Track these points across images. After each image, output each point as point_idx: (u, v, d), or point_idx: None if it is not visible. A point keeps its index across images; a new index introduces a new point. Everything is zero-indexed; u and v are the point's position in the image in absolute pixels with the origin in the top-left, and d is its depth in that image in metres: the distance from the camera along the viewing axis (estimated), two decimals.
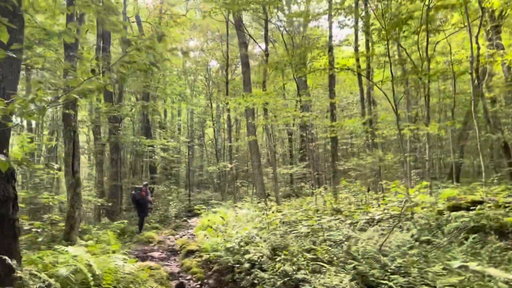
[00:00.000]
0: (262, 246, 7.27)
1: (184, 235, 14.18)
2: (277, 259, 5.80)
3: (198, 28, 29.49)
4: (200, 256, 7.86)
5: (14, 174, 5.46)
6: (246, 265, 6.37)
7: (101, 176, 19.31)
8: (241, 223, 11.56)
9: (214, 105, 33.67)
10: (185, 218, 21.44)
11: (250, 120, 16.04)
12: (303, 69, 11.75)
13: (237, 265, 6.55)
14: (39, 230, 9.97)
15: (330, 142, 14.96)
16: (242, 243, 7.12)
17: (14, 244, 5.40)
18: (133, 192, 14.37)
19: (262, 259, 6.29)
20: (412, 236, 6.41)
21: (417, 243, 6.35)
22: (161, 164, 28.55)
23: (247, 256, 6.51)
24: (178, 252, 9.92)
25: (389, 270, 4.53)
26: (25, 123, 21.41)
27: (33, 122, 24.95)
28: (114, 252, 7.12)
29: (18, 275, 4.82)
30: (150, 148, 21.61)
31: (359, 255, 5.10)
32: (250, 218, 13.76)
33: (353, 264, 4.76)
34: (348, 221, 10.25)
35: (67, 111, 9.85)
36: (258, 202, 17.95)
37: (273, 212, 14.15)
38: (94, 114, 18.51)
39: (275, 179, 18.22)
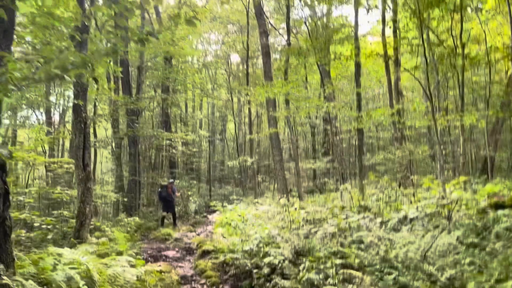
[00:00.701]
0: (283, 247, 6.53)
1: (202, 232, 13.57)
2: (301, 267, 5.04)
3: (218, 20, 28.82)
4: (216, 258, 7.18)
5: (5, 167, 4.88)
6: (266, 269, 5.64)
7: (120, 170, 18.91)
8: (261, 221, 10.86)
9: (235, 99, 33.03)
10: (205, 214, 20.87)
11: (271, 111, 15.27)
12: (328, 56, 10.92)
13: (255, 270, 5.84)
14: (49, 227, 9.52)
15: (356, 135, 14.06)
16: (261, 245, 6.39)
17: (4, 245, 4.82)
18: (159, 189, 14.65)
19: (283, 264, 5.55)
20: (457, 238, 5.56)
21: (463, 247, 5.50)
22: (181, 159, 28.13)
23: (266, 260, 5.78)
24: (194, 251, 9.28)
25: (438, 283, 3.74)
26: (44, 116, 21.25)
27: (55, 116, 24.77)
28: (121, 253, 6.52)
29: (4, 282, 4.23)
30: (169, 142, 21.10)
31: (399, 262, 4.30)
32: (271, 215, 13.03)
33: (393, 275, 3.97)
34: (378, 220, 9.40)
35: (76, 102, 9.32)
36: (279, 198, 17.23)
37: (295, 209, 13.42)
38: (112, 106, 18.07)
39: (297, 174, 17.45)
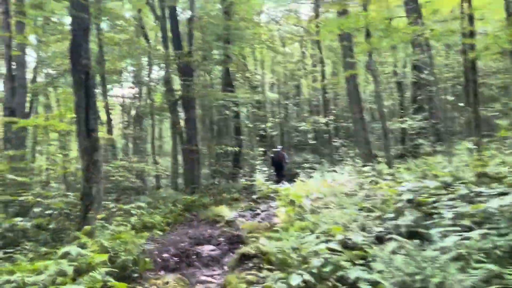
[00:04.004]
0: (376, 260, 3.49)
1: (264, 211, 10.83)
2: None
3: None
4: (259, 270, 4.35)
5: None
6: None
7: (176, 139, 16.76)
8: (336, 198, 7.77)
9: (307, 55, 29.43)
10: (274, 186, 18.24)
11: (345, 44, 11.88)
12: None
13: None
14: (56, 212, 7.37)
15: (468, 74, 10.11)
16: (332, 264, 3.35)
17: None
18: (272, 155, 15.93)
19: None
20: None
21: None
22: (250, 124, 25.65)
23: None
24: (241, 245, 6.55)
25: None
26: None
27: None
28: (92, 267, 3.92)
29: None
30: (232, 104, 18.47)
31: None
32: (352, 189, 9.84)
33: None
34: None
35: (75, 43, 6.81)
36: (362, 166, 13.89)
37: (385, 180, 10.15)
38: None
39: (384, 134, 13.81)
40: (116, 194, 10.07)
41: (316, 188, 10.09)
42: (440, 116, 19.18)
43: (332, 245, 3.76)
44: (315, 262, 3.41)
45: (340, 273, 3.22)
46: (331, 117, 21.43)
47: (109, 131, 17.81)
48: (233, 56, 20.40)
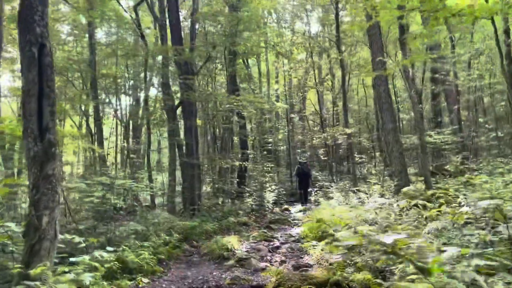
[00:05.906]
0: None
1: (283, 243, 8.45)
2: None
3: None
4: None
5: None
6: None
7: (173, 151, 14.46)
8: (393, 234, 5.51)
9: (316, 63, 27.26)
10: (286, 206, 15.90)
11: (374, 33, 9.77)
12: None
13: None
14: None
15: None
16: None
17: None
18: (298, 166, 15.49)
19: None
20: None
21: None
22: (255, 137, 23.45)
23: None
24: None
25: None
26: None
27: None
28: None
29: None
30: (240, 111, 16.31)
31: None
32: (404, 217, 7.53)
33: None
34: None
35: (25, 5, 4.63)
36: (396, 185, 11.64)
37: (439, 205, 8.02)
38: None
39: (422, 148, 11.54)
40: (92, 220, 7.73)
41: (353, 214, 7.78)
42: (472, 130, 17.06)
43: None
44: None
45: None
46: (353, 129, 19.18)
47: (100, 144, 15.57)
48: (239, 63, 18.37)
